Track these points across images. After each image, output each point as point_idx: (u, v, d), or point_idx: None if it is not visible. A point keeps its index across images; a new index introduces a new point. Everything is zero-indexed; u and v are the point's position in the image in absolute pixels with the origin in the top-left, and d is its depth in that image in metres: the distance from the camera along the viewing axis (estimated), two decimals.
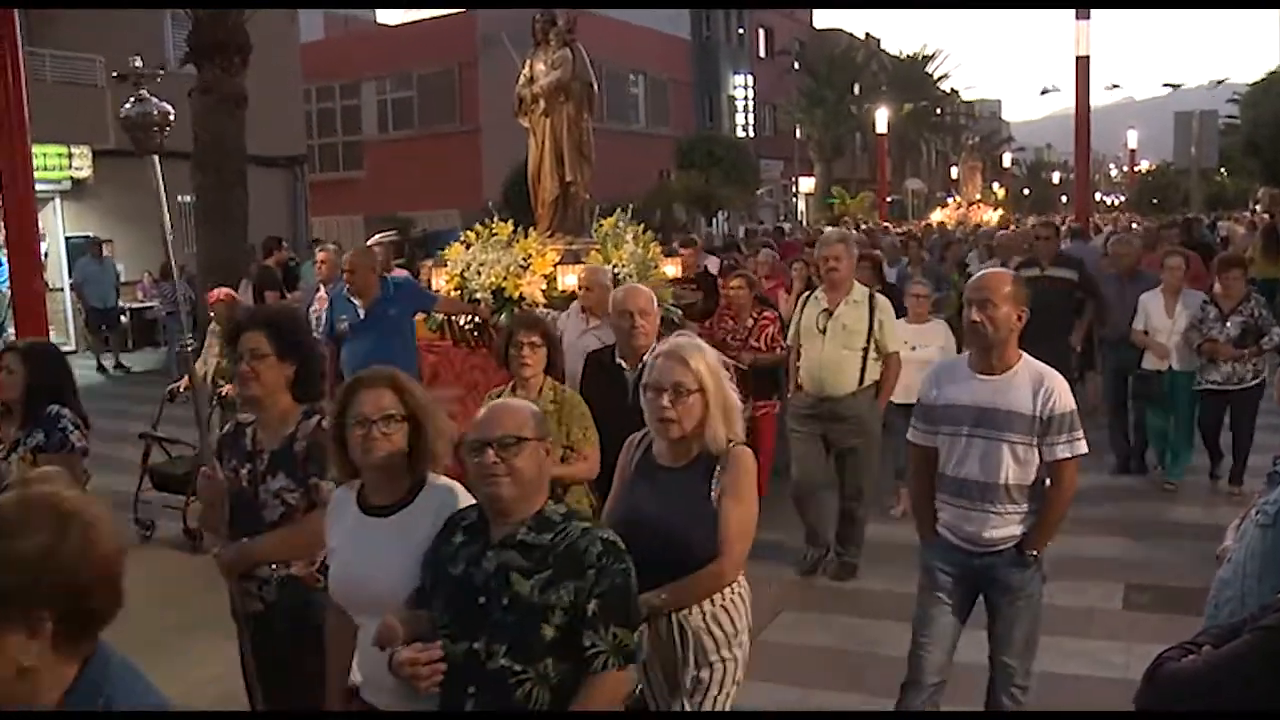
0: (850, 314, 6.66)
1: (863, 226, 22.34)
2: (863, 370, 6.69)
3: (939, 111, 55.16)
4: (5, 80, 6.75)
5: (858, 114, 45.63)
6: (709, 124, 43.81)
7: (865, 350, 6.67)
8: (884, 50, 58.21)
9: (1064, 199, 73.74)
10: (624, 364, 5.25)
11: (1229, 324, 8.10)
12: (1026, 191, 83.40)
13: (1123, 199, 75.18)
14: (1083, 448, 3.99)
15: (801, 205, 48.56)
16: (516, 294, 7.70)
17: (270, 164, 22.18)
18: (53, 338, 9.21)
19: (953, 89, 59.40)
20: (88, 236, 19.31)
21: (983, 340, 4.02)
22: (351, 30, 44.67)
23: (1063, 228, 16.06)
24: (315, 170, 30.44)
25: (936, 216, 33.95)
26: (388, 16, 46.31)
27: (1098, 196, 72.59)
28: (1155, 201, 49.88)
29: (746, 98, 45.51)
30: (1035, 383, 3.98)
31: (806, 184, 47.89)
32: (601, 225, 8.33)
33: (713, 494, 3.36)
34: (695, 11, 44.12)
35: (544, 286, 7.83)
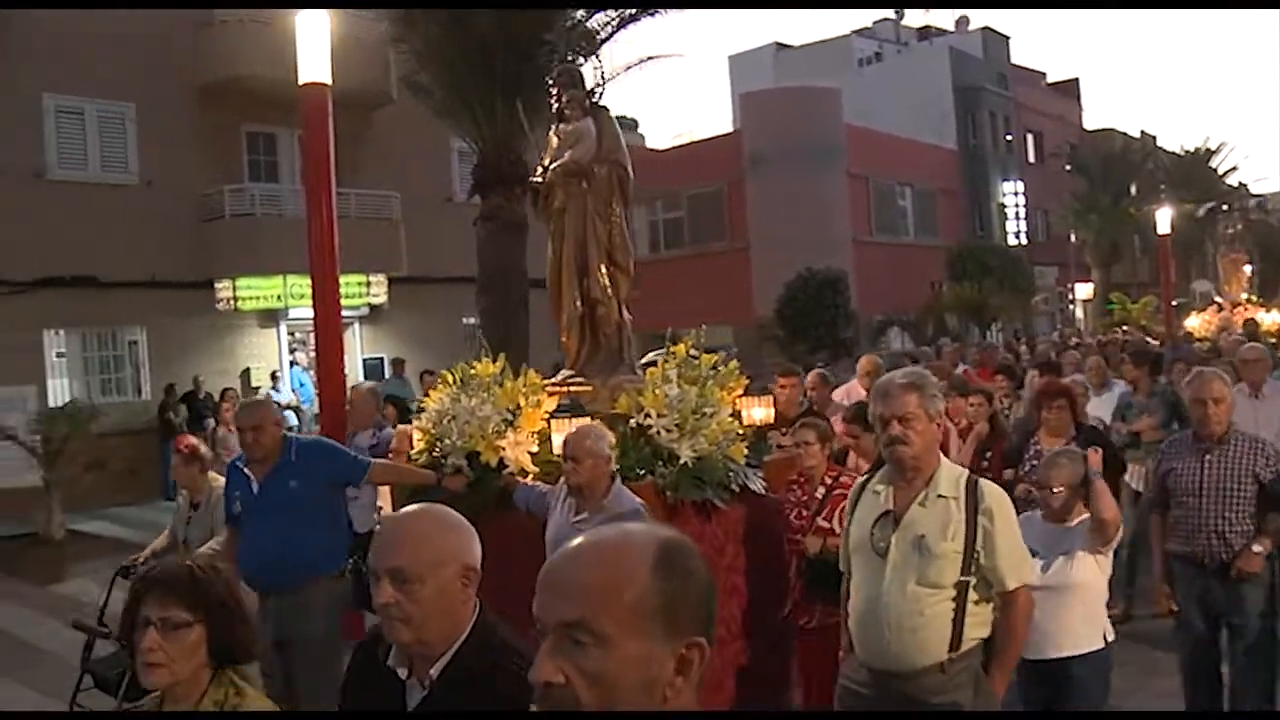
0: (931, 519, 3.66)
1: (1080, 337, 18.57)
2: (958, 623, 3.63)
3: (1224, 207, 52.12)
4: (321, 221, 7.44)
5: (1136, 215, 43.84)
6: (979, 232, 43.05)
7: (963, 586, 3.64)
8: (1161, 148, 55.89)
9: None
10: (401, 673, 2.49)
11: None
12: None
13: None
14: None
15: (1079, 312, 46.75)
16: (495, 460, 5.47)
17: None
18: None
19: (1240, 183, 56.19)
20: (381, 358, 20.76)
21: None
22: None
23: None
24: None
25: (1191, 323, 27.36)
26: (657, 140, 47.97)
27: None
28: None
29: (1017, 204, 44.56)
30: None
31: (1084, 290, 46.16)
32: (672, 354, 5.84)
33: None
34: (961, 120, 43.75)
35: (534, 449, 5.58)
